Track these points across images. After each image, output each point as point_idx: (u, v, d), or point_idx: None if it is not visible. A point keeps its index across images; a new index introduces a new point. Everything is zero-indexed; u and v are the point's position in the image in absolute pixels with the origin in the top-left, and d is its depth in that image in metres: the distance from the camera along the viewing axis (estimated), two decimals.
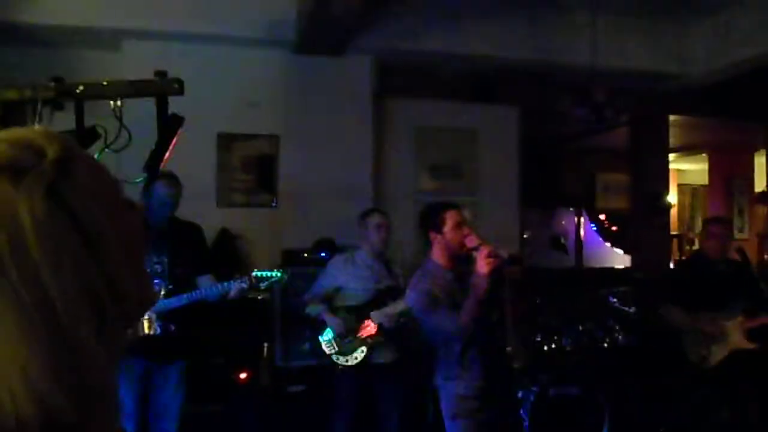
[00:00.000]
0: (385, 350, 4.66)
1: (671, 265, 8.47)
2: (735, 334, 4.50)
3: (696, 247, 11.49)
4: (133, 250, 0.85)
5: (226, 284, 4.15)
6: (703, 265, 4.75)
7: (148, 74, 2.70)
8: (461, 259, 3.74)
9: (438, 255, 3.80)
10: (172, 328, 4.13)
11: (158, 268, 4.16)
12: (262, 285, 4.25)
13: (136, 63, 5.27)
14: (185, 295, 4.12)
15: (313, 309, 4.70)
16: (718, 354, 4.51)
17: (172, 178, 4.21)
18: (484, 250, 3.53)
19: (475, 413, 3.72)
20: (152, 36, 5.57)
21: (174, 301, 4.11)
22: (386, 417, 4.69)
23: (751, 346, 4.48)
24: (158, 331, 4.10)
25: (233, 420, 5.03)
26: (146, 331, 4.08)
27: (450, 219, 3.75)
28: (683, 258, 9.81)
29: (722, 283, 4.66)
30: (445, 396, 3.77)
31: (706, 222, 5.01)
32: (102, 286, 0.77)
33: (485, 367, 3.71)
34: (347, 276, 4.71)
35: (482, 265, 3.48)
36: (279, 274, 4.23)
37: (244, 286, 4.18)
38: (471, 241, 3.66)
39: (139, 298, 0.87)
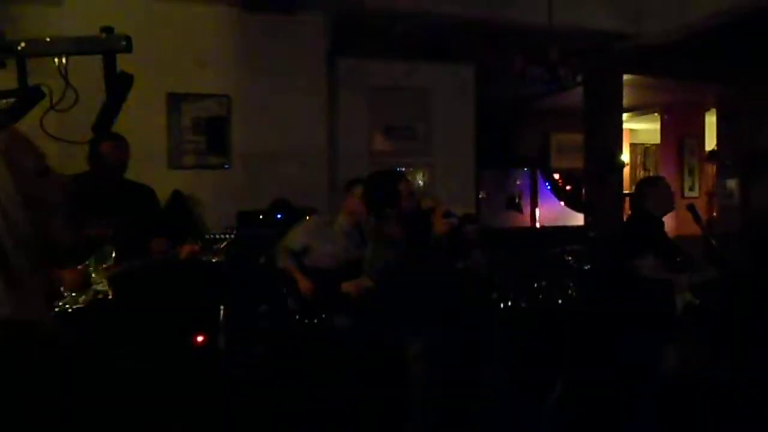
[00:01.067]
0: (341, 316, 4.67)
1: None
2: (686, 290, 4.60)
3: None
4: (56, 207, 1.26)
5: (179, 247, 4.09)
6: (654, 221, 4.80)
7: (93, 30, 2.59)
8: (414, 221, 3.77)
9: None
10: (124, 290, 4.04)
11: (109, 231, 4.07)
12: (217, 246, 4.19)
13: (79, 18, 5.11)
14: (138, 259, 4.05)
15: (281, 261, 4.68)
16: (678, 306, 4.62)
17: (119, 140, 4.10)
18: (439, 211, 3.57)
19: None
20: None
21: (126, 265, 4.03)
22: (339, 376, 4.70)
23: (696, 301, 4.59)
24: (109, 294, 4.00)
25: (190, 381, 4.99)
26: (98, 296, 3.99)
27: (404, 190, 3.83)
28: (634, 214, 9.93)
29: (665, 240, 4.75)
30: None
31: (651, 181, 5.04)
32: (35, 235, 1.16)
33: None
34: (319, 238, 4.69)
35: (439, 224, 3.49)
36: (233, 235, 4.18)
37: (196, 248, 4.12)
38: (425, 203, 3.69)
39: (66, 245, 1.27)
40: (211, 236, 4.21)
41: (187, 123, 5.89)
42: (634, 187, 5.37)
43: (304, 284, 4.58)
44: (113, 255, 4.03)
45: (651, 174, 11.90)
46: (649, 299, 4.65)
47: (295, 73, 6.12)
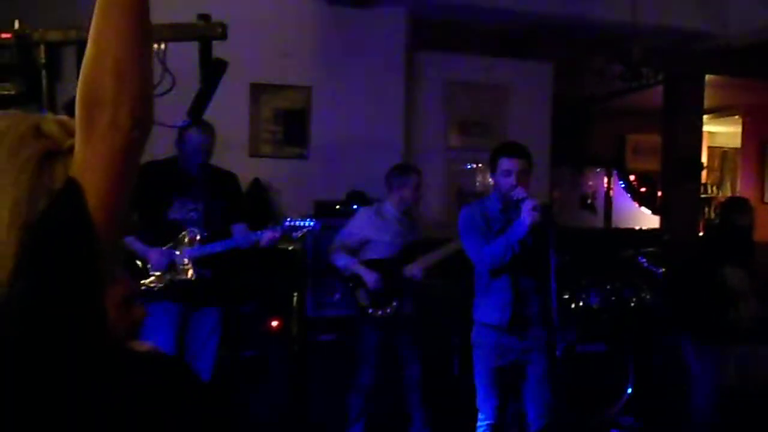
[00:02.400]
0: (408, 302, 4.73)
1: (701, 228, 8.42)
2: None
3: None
4: None
5: (259, 233, 4.20)
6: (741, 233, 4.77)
7: (185, 18, 2.69)
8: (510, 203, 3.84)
9: (494, 192, 4.01)
10: (208, 274, 4.19)
11: (194, 215, 4.22)
12: (295, 234, 4.29)
13: (172, 6, 5.25)
14: (220, 243, 4.17)
15: (341, 260, 4.73)
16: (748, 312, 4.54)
17: (206, 126, 4.22)
18: (529, 203, 3.63)
19: (497, 353, 3.90)
20: None
21: (209, 248, 4.17)
22: (409, 367, 4.76)
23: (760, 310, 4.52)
24: (194, 276, 4.15)
25: (264, 367, 5.11)
26: (183, 276, 4.14)
27: (501, 164, 3.87)
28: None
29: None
30: (474, 323, 4.03)
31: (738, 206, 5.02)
32: None
33: (516, 302, 3.85)
34: (375, 229, 4.75)
35: (526, 215, 3.62)
36: (312, 224, 4.25)
37: (277, 235, 4.21)
38: (518, 193, 3.72)
39: None
40: (292, 223, 4.30)
41: (268, 113, 6.01)
42: (720, 206, 5.33)
43: (370, 277, 4.63)
44: (198, 237, 4.17)
45: (728, 180, 11.65)
46: (728, 309, 4.58)
47: (374, 66, 6.18)
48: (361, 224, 4.81)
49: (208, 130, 4.24)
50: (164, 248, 4.13)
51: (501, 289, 3.87)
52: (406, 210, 4.82)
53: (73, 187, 1.09)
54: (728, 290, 4.61)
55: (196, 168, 4.27)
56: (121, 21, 1.12)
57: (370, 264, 4.67)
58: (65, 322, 1.05)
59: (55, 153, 1.15)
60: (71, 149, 1.14)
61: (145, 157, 3.96)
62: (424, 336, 4.97)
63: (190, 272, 4.17)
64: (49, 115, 1.24)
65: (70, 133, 1.16)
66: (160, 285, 4.10)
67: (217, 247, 4.17)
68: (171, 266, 4.14)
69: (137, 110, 1.12)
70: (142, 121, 1.14)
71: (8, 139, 1.14)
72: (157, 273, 4.10)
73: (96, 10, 1.12)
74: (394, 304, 4.64)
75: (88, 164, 1.11)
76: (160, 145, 4.53)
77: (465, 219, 3.96)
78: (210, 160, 4.34)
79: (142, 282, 4.10)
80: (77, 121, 1.12)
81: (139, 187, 3.75)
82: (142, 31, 1.14)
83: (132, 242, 4.07)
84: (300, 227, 4.31)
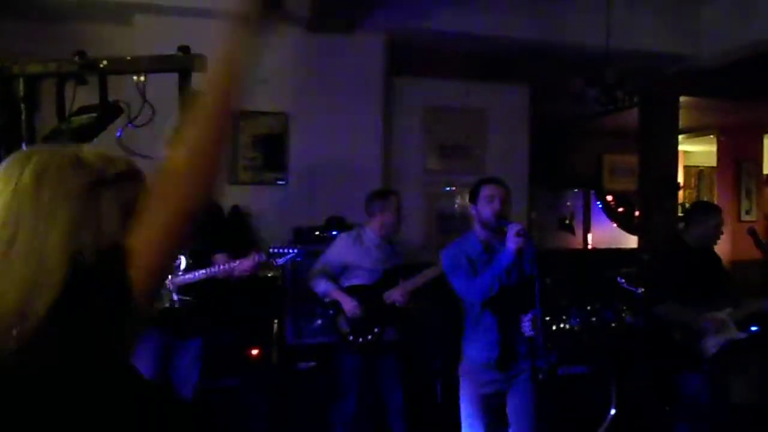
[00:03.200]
0: (390, 329, 4.72)
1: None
2: (730, 326, 4.49)
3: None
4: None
5: (242, 260, 4.20)
6: (691, 256, 4.63)
7: (159, 50, 2.69)
8: (494, 231, 3.83)
9: (474, 225, 3.95)
10: (191, 299, 4.17)
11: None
12: (279, 262, 4.29)
13: (147, 38, 5.25)
14: (203, 270, 4.16)
15: (321, 286, 4.70)
16: (713, 346, 4.49)
17: None
18: (513, 228, 3.62)
19: (483, 383, 3.86)
20: (164, 11, 5.53)
21: (192, 276, 4.15)
22: (391, 394, 4.74)
23: (742, 336, 4.47)
24: (177, 303, 4.13)
25: (245, 395, 5.07)
26: (165, 303, 4.12)
27: (482, 192, 3.89)
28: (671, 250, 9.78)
29: (709, 274, 4.61)
30: (463, 357, 4.00)
31: (704, 210, 4.86)
32: None
33: (503, 341, 3.83)
34: (355, 254, 4.73)
35: (510, 241, 3.60)
36: (295, 252, 4.32)
37: (261, 259, 4.27)
38: (501, 221, 3.76)
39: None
40: (275, 251, 4.30)
41: (246, 140, 6.01)
42: (687, 209, 5.22)
43: (348, 304, 4.61)
44: (181, 266, 4.17)
45: (705, 199, 11.71)
46: (672, 343, 4.56)
47: (353, 92, 6.20)
48: (340, 250, 4.79)
49: None
50: None
51: (489, 326, 3.85)
52: (387, 235, 4.81)
53: (119, 251, 1.14)
54: (665, 326, 4.62)
55: None
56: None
57: (350, 290, 4.66)
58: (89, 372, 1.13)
59: (101, 182, 1.21)
60: (116, 178, 1.23)
61: None
62: (407, 363, 4.95)
63: (175, 301, 4.16)
64: (85, 147, 1.30)
65: (110, 161, 1.26)
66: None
67: (200, 274, 4.16)
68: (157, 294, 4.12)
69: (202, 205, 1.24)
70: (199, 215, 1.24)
71: (53, 169, 1.18)
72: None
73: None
74: (376, 330, 4.62)
75: (144, 236, 1.17)
76: None
77: (448, 259, 3.91)
78: None
79: None
80: (152, 197, 1.20)
81: None
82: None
83: None
84: (283, 254, 4.31)
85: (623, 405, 5.35)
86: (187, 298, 4.19)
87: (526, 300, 3.72)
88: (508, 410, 3.92)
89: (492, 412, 3.94)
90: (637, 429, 5.36)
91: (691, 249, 4.64)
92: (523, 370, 3.86)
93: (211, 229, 4.37)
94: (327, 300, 4.71)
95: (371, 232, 4.78)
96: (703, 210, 4.81)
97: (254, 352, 5.16)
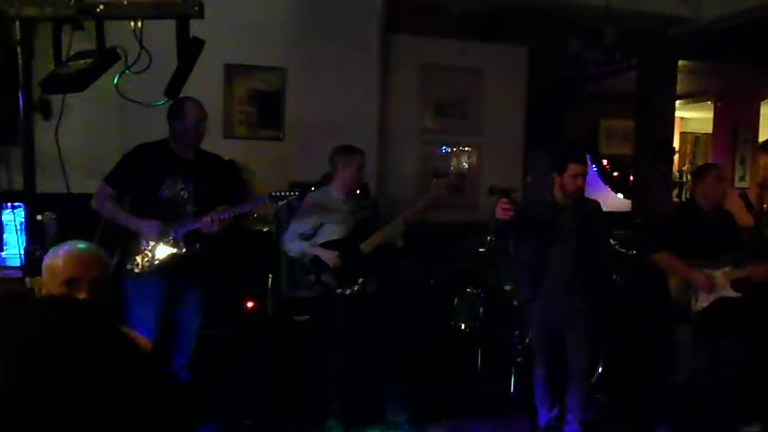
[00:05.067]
0: (373, 279, 4.76)
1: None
2: (721, 284, 4.57)
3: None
4: None
5: (245, 204, 4.41)
6: (695, 213, 4.77)
7: None
8: None
9: None
10: (198, 246, 4.27)
11: (184, 193, 4.32)
12: (281, 202, 4.45)
13: None
14: (209, 215, 4.22)
15: (295, 246, 4.73)
16: (703, 301, 4.59)
17: (198, 102, 4.30)
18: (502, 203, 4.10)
19: None
20: None
21: (197, 223, 4.24)
22: (378, 343, 4.78)
23: (736, 295, 4.56)
24: (184, 250, 4.22)
25: (240, 346, 5.14)
26: (173, 250, 4.17)
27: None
28: (676, 205, 9.82)
29: (713, 232, 4.70)
30: None
31: (705, 168, 4.96)
32: None
33: None
34: (324, 213, 4.73)
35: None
36: (296, 194, 4.46)
37: (264, 202, 4.45)
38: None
39: None
40: (277, 194, 4.39)
41: (243, 94, 5.99)
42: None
43: (327, 256, 4.64)
44: (189, 214, 4.24)
45: (701, 163, 11.75)
46: (661, 293, 4.68)
47: (349, 47, 6.17)
48: (308, 211, 4.78)
49: (201, 105, 4.37)
50: (155, 222, 4.20)
51: None
52: (350, 191, 4.81)
53: None
54: (659, 275, 4.74)
55: (189, 147, 4.38)
56: None
57: (326, 246, 4.68)
58: None
59: None
60: None
61: (127, 137, 3.94)
62: (401, 317, 5.01)
63: (182, 247, 4.24)
64: None
65: None
66: (154, 261, 4.15)
67: (208, 220, 4.22)
68: (163, 242, 4.20)
69: None
70: None
71: None
72: (151, 246, 4.17)
73: None
74: (360, 281, 4.65)
75: None
76: (140, 125, 4.54)
77: None
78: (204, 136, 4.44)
79: (137, 256, 4.15)
80: None
81: (132, 167, 3.80)
82: None
83: (126, 216, 4.21)
84: (284, 197, 4.41)
85: (613, 362, 5.42)
86: (196, 242, 4.27)
87: None
88: None
89: None
90: (625, 385, 5.44)
91: (696, 207, 4.76)
92: None
93: (217, 181, 4.46)
94: (306, 259, 4.72)
95: (334, 188, 4.80)
96: (699, 170, 4.97)
97: (249, 304, 5.21)
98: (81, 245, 2.28)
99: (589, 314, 4.60)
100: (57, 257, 2.26)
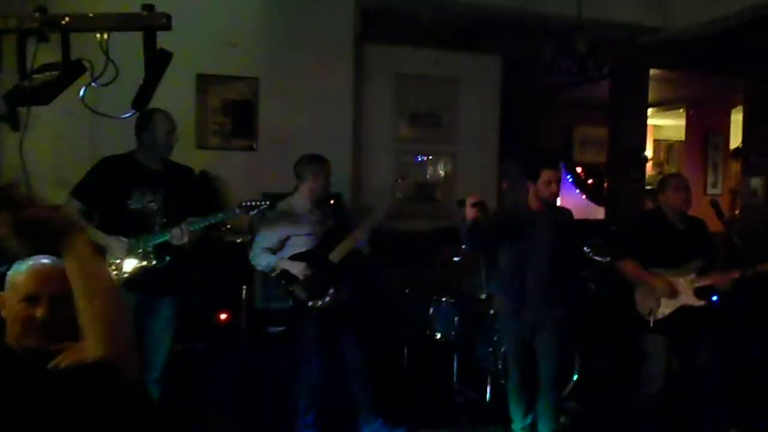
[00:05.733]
0: (344, 290, 4.74)
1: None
2: (685, 291, 4.61)
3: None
4: None
5: (215, 214, 4.34)
6: (660, 221, 4.80)
7: (123, 9, 2.64)
8: None
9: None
10: (167, 258, 4.22)
11: (153, 205, 4.27)
12: (252, 213, 4.44)
13: None
14: (178, 227, 4.19)
15: (263, 260, 4.69)
16: (665, 308, 4.62)
17: (167, 114, 4.26)
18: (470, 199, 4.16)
19: None
20: None
21: (169, 234, 4.21)
22: (350, 354, 4.76)
23: (698, 303, 4.59)
24: (153, 262, 4.18)
25: (214, 359, 5.09)
26: (143, 263, 4.13)
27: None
28: (642, 214, 9.91)
29: (679, 240, 4.72)
30: None
31: (666, 178, 5.02)
32: None
33: None
34: (290, 225, 4.71)
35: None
36: (267, 204, 4.44)
37: (235, 211, 4.41)
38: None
39: None
40: (247, 203, 4.38)
41: (216, 104, 5.97)
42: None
43: (296, 267, 4.61)
44: (157, 227, 4.23)
45: (673, 171, 11.89)
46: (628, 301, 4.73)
47: (323, 57, 6.16)
48: (273, 225, 4.75)
49: (170, 117, 4.34)
50: (124, 238, 4.16)
51: None
52: (315, 200, 4.80)
53: None
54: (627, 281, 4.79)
55: (157, 159, 4.34)
56: None
57: (293, 258, 4.65)
58: None
59: None
60: None
61: (98, 148, 3.86)
62: (375, 327, 4.99)
63: (152, 260, 4.20)
64: None
65: None
66: (122, 275, 4.11)
67: (176, 232, 4.19)
68: (132, 255, 4.16)
69: None
70: None
71: None
72: (119, 259, 4.12)
73: None
74: (331, 291, 4.63)
75: None
76: (111, 137, 4.49)
77: None
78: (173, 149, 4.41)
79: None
80: None
81: (99, 180, 3.74)
82: None
83: (94, 233, 4.12)
84: (254, 206, 4.39)
85: (587, 370, 5.44)
86: (165, 255, 4.23)
87: None
88: None
89: None
90: (599, 393, 5.46)
91: (661, 215, 4.79)
92: None
93: (186, 192, 4.43)
94: (274, 274, 4.69)
95: (300, 198, 4.77)
96: (661, 181, 4.99)
97: (223, 316, 5.18)
98: (44, 260, 2.23)
99: (561, 322, 4.61)
100: (19, 272, 2.21)
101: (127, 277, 4.14)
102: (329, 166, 4.80)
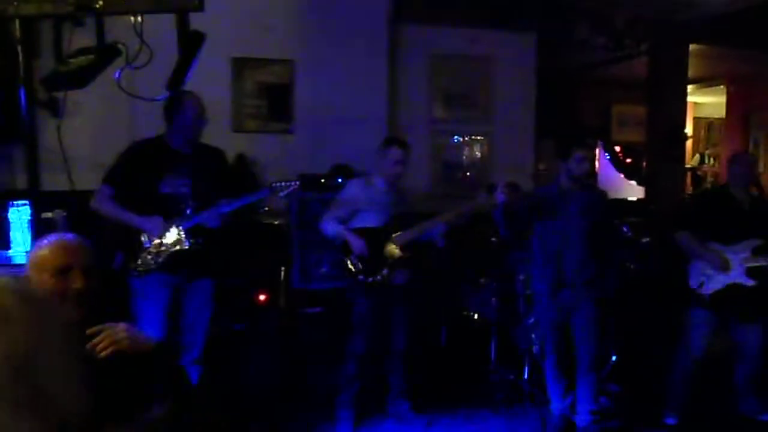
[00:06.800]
0: (399, 272, 4.76)
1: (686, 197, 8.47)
2: (736, 269, 4.55)
3: (709, 180, 11.51)
4: None
5: (246, 196, 4.31)
6: (724, 197, 4.77)
7: None
8: None
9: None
10: (200, 241, 4.23)
11: (184, 189, 4.25)
12: (282, 194, 4.39)
13: None
14: (211, 210, 4.21)
15: (331, 228, 4.76)
16: (715, 284, 4.58)
17: (197, 97, 4.25)
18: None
19: None
20: None
21: (202, 217, 4.21)
22: (395, 337, 4.81)
23: (749, 282, 4.53)
24: (186, 245, 4.19)
25: (253, 340, 5.15)
26: (176, 246, 4.16)
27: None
28: (705, 189, 9.77)
29: (740, 217, 4.68)
30: None
31: (733, 156, 5.00)
32: None
33: None
34: (365, 200, 4.77)
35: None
36: (296, 184, 4.39)
37: (265, 194, 4.38)
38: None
39: None
40: (277, 184, 4.38)
41: (251, 87, 5.99)
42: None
43: (356, 242, 4.66)
44: (189, 210, 4.23)
45: (713, 150, 11.79)
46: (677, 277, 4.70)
47: (358, 38, 6.15)
48: (351, 195, 4.83)
49: (201, 100, 4.29)
50: (157, 219, 4.16)
51: None
52: (394, 182, 4.84)
53: None
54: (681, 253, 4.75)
55: (188, 142, 4.31)
56: None
57: (359, 232, 4.70)
58: None
59: None
60: None
61: (136, 132, 3.88)
62: (416, 307, 5.01)
63: (185, 243, 4.20)
64: None
65: None
66: (158, 258, 4.14)
67: (208, 215, 4.21)
68: (166, 238, 4.17)
69: None
70: None
71: None
72: (155, 243, 4.15)
73: None
74: (384, 271, 4.67)
75: None
76: (149, 120, 4.51)
77: None
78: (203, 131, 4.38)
79: (140, 254, 4.13)
80: None
81: (130, 165, 3.76)
82: None
83: (127, 215, 4.13)
84: (286, 186, 4.37)
85: (626, 351, 5.40)
86: (198, 238, 4.23)
87: None
88: None
89: None
90: (639, 375, 5.42)
91: (726, 191, 4.80)
92: None
93: (217, 175, 4.42)
94: (338, 242, 4.76)
95: (380, 178, 4.83)
96: (729, 159, 5.04)
97: (262, 297, 5.22)
98: (68, 235, 2.23)
99: (597, 303, 4.58)
100: (42, 248, 2.18)
101: (162, 261, 4.14)
102: (400, 149, 4.81)
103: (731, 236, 4.62)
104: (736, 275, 4.55)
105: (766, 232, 4.62)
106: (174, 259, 4.17)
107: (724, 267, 4.55)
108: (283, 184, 4.39)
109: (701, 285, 4.61)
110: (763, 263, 4.53)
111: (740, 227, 4.64)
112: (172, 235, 4.18)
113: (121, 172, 4.22)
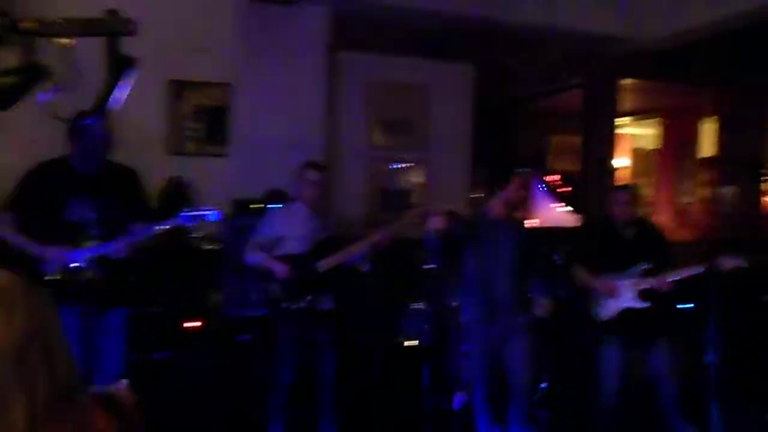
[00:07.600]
0: (325, 298, 4.75)
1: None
2: (627, 294, 4.71)
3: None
4: None
5: (150, 227, 4.07)
6: (606, 227, 4.97)
7: (95, 13, 2.63)
8: None
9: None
10: (107, 270, 4.01)
11: (90, 216, 4.03)
12: (194, 223, 4.13)
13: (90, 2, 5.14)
14: (117, 241, 4.02)
15: (253, 257, 4.73)
16: (608, 311, 4.78)
17: (102, 116, 3.87)
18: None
19: None
20: None
21: (106, 247, 4.01)
22: (322, 366, 4.77)
23: (641, 306, 4.70)
24: (91, 275, 3.98)
25: (180, 368, 5.04)
26: (82, 277, 3.95)
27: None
28: (592, 221, 9.96)
29: (624, 246, 4.87)
30: None
31: (612, 190, 5.26)
32: None
33: None
34: (286, 226, 4.75)
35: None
36: (212, 213, 4.15)
37: (167, 226, 4.08)
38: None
39: None
40: (188, 212, 4.14)
41: (188, 110, 5.94)
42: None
43: (278, 268, 4.63)
44: (94, 238, 4.02)
45: (648, 180, 12.01)
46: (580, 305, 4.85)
47: (296, 64, 6.17)
48: (272, 222, 4.81)
49: (105, 120, 3.99)
50: (60, 249, 3.94)
51: None
52: (314, 207, 4.83)
53: None
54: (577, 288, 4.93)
55: (95, 165, 4.09)
56: None
57: (282, 259, 4.67)
58: None
59: None
60: None
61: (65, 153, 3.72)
62: (347, 334, 4.99)
63: (89, 273, 3.99)
64: None
65: None
66: (63, 288, 3.91)
67: (115, 245, 4.02)
68: (69, 268, 3.95)
69: None
70: None
71: None
72: (54, 274, 3.93)
73: None
74: (308, 298, 4.65)
75: None
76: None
77: None
78: (111, 153, 4.17)
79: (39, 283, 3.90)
80: None
81: (32, 190, 3.59)
82: None
83: (27, 243, 3.91)
84: (199, 216, 4.14)
85: (557, 378, 5.46)
86: (104, 270, 4.02)
87: None
88: None
89: None
90: (568, 401, 5.48)
91: (607, 221, 4.98)
92: None
93: (127, 198, 4.20)
94: (260, 271, 4.72)
95: (300, 203, 4.81)
96: (610, 194, 5.29)
97: (191, 324, 5.14)
98: None
99: (528, 330, 4.64)
100: None
101: (66, 292, 3.90)
102: (318, 173, 4.83)
103: (620, 264, 4.80)
104: (628, 300, 4.73)
105: (653, 257, 4.79)
106: (79, 289, 3.94)
107: (611, 293, 4.73)
108: (196, 213, 4.14)
109: (596, 313, 4.77)
110: (654, 284, 4.69)
111: (625, 254, 4.83)
112: (76, 265, 3.96)
113: (21, 198, 3.99)
